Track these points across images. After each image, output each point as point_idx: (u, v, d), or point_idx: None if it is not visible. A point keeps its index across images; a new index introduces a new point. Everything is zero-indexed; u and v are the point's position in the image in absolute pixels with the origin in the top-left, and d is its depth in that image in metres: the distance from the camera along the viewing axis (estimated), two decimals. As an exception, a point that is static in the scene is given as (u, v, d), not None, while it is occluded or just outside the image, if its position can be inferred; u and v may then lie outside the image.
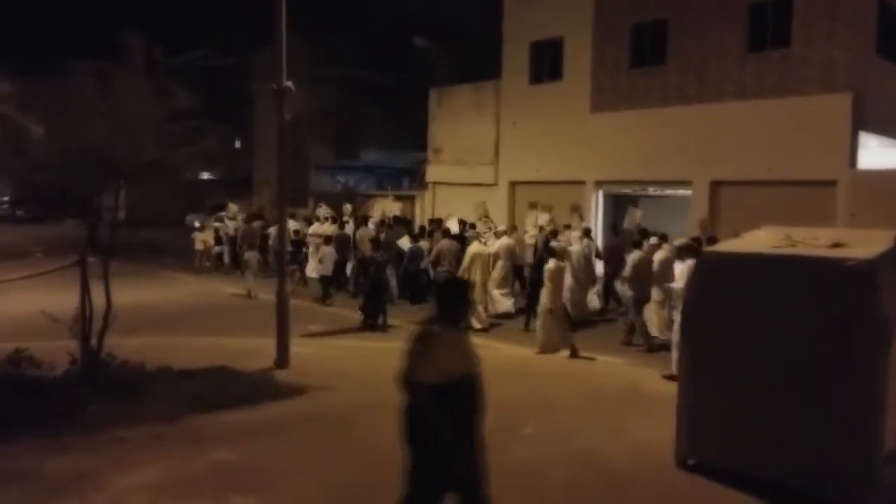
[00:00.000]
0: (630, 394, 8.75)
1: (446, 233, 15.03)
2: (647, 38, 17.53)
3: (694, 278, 6.44)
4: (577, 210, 17.29)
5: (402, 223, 17.97)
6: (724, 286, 6.04)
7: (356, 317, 13.23)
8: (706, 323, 6.10)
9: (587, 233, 15.10)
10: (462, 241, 14.12)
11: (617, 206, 18.43)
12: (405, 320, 12.07)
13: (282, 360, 9.51)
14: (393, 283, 15.15)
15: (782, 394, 5.59)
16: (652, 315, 11.44)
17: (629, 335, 11.81)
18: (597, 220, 18.53)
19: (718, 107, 16.00)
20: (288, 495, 5.67)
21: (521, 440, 6.99)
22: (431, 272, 14.17)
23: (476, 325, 12.19)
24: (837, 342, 5.32)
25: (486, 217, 17.05)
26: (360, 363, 10.02)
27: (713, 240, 11.82)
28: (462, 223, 16.54)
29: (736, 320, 5.90)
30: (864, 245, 5.71)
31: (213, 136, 9.60)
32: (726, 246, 7.29)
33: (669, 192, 18.10)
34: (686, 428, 6.19)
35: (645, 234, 13.43)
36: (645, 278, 11.33)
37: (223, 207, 22.92)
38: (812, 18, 14.65)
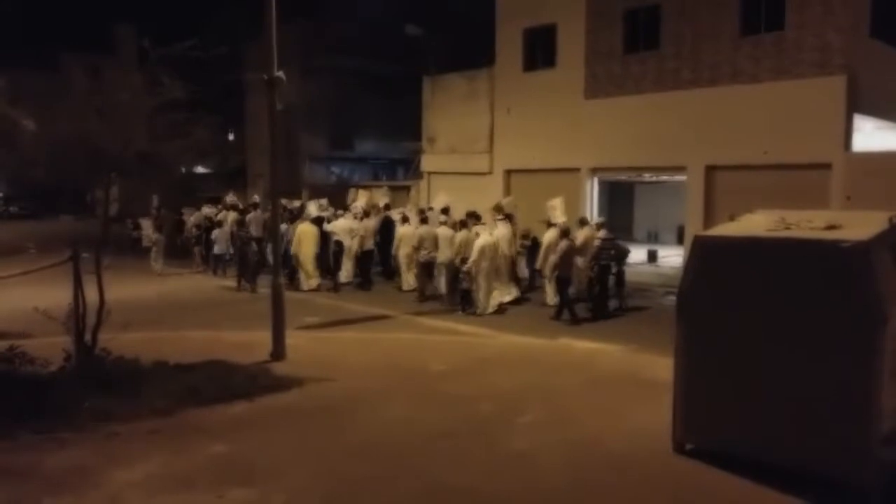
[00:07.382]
0: (628, 380, 8.75)
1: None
2: (640, 23, 17.43)
3: (689, 261, 6.43)
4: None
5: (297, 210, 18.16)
6: (720, 270, 6.03)
7: (353, 308, 13.48)
8: (701, 307, 6.08)
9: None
10: (320, 224, 16.06)
11: (613, 192, 18.40)
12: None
13: (278, 352, 9.48)
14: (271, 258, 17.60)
15: (778, 375, 5.59)
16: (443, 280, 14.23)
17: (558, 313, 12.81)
18: (592, 208, 18.49)
19: (713, 91, 15.94)
20: (285, 487, 5.66)
21: (520, 428, 7.00)
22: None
23: (304, 286, 15.36)
24: (833, 323, 5.32)
25: (447, 207, 16.92)
26: (357, 355, 10.01)
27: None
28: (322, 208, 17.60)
29: (731, 304, 5.89)
30: (858, 227, 5.69)
31: (205, 128, 9.51)
32: (722, 229, 7.26)
33: (665, 177, 18.07)
34: (682, 412, 6.19)
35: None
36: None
37: (217, 200, 22.93)
38: (805, 1, 14.58)
